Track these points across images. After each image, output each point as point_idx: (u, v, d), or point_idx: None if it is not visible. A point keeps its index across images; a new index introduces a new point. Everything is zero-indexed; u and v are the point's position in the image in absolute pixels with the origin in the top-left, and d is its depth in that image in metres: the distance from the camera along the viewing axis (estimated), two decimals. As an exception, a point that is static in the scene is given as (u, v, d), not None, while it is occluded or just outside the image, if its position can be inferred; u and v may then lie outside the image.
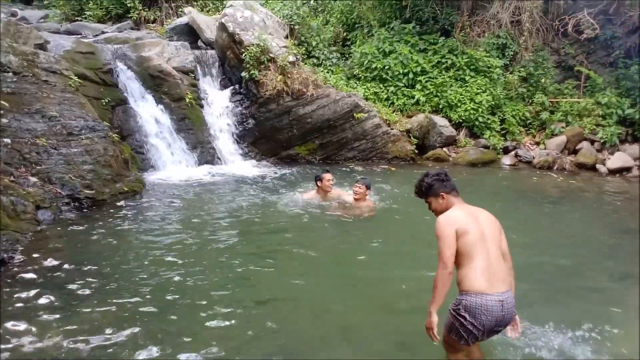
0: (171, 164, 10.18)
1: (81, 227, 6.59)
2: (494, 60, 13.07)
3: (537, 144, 12.81)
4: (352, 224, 7.21)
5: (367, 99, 12.44)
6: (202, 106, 11.32)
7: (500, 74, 13.01)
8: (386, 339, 4.25)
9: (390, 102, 12.84)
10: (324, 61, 13.38)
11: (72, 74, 8.83)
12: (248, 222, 7.21)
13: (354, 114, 11.57)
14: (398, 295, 5.06)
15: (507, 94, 13.11)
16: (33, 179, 6.94)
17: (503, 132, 12.82)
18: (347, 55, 13.97)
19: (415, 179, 3.90)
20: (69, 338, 4.05)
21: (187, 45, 12.12)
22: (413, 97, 12.75)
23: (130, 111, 9.98)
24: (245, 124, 11.73)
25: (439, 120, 12.50)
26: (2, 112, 7.28)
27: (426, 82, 12.85)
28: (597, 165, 11.83)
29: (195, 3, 15.85)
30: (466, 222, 3.42)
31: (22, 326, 4.18)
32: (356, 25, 14.56)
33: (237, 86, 12.01)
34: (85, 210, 7.21)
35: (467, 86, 12.77)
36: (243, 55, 11.34)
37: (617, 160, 11.78)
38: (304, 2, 14.80)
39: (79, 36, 12.60)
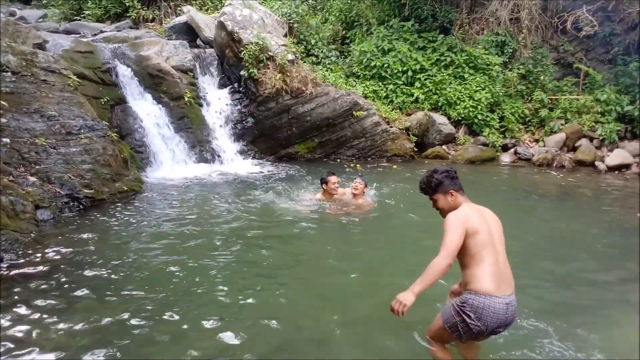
0: (170, 163, 10.18)
1: (80, 227, 6.59)
2: (493, 57, 13.07)
3: (536, 141, 12.81)
4: (352, 222, 7.22)
5: (366, 97, 12.45)
6: (201, 105, 11.32)
7: (499, 71, 13.01)
8: (387, 339, 4.26)
9: (389, 100, 12.85)
10: (323, 59, 13.38)
11: (71, 73, 8.84)
12: (247, 221, 7.20)
13: (353, 112, 11.57)
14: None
15: (506, 91, 13.11)
16: (32, 179, 6.94)
17: (502, 129, 12.82)
18: (346, 54, 13.98)
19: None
20: (68, 337, 4.06)
21: (186, 44, 12.12)
22: (412, 95, 12.76)
23: (129, 110, 9.98)
24: (244, 122, 11.73)
25: (438, 118, 12.50)
26: (1, 111, 7.28)
27: (425, 79, 12.85)
28: (596, 162, 11.84)
29: (194, 2, 15.86)
30: (477, 222, 3.40)
31: (21, 325, 4.19)
32: (355, 24, 14.56)
33: (236, 85, 12.01)
34: (84, 209, 7.21)
35: (466, 84, 12.77)
36: (242, 53, 11.34)
37: (616, 157, 11.79)
38: (303, 0, 14.79)
39: (78, 35, 12.61)
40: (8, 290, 4.77)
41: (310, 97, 11.44)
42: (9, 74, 7.82)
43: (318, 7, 15.68)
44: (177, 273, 5.36)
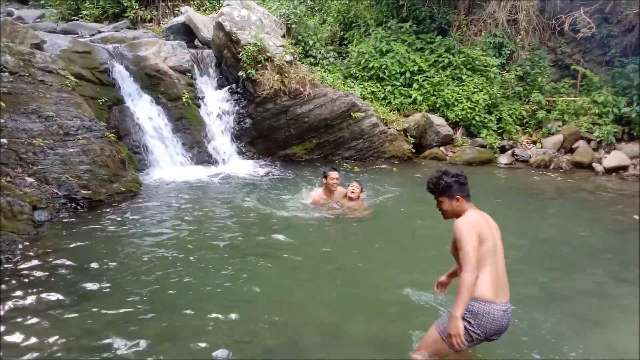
0: (168, 163, 10.16)
1: (78, 228, 6.58)
2: (491, 59, 13.09)
3: (534, 142, 12.83)
4: (349, 223, 7.23)
5: (364, 98, 12.45)
6: (199, 106, 11.30)
7: (497, 73, 13.03)
8: (385, 338, 4.26)
9: (387, 101, 12.85)
10: (321, 60, 13.38)
11: (69, 73, 8.82)
12: (245, 222, 7.21)
13: (351, 113, 11.57)
14: (395, 295, 5.06)
15: (503, 93, 13.13)
16: (30, 180, 6.93)
17: (500, 131, 12.83)
18: (344, 55, 13.98)
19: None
20: (65, 338, 4.05)
21: (184, 45, 12.11)
22: (410, 96, 12.76)
23: (127, 111, 9.96)
24: (242, 123, 11.72)
25: (436, 119, 12.52)
26: (-2, 112, 7.27)
27: (423, 81, 12.86)
28: (594, 164, 11.86)
29: (192, 2, 15.84)
30: (486, 230, 3.42)
31: (19, 327, 4.18)
32: (353, 25, 14.56)
33: (234, 85, 11.99)
34: (82, 210, 7.19)
35: (463, 85, 12.79)
36: (240, 54, 11.33)
37: (614, 159, 11.80)
38: (301, 1, 14.80)
39: (76, 36, 12.58)
40: (6, 292, 4.76)
41: (309, 98, 11.43)
42: (7, 74, 7.80)
43: (316, 8, 15.68)
44: (175, 274, 5.36)
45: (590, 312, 4.93)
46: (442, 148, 12.50)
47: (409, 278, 5.37)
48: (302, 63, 12.50)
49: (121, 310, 4.54)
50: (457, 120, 12.64)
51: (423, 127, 12.43)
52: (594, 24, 12.63)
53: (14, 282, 4.98)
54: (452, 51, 13.15)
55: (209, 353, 3.96)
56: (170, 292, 4.96)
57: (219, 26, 11.77)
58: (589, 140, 12.42)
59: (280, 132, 11.69)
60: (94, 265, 5.47)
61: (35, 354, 3.84)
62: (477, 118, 12.52)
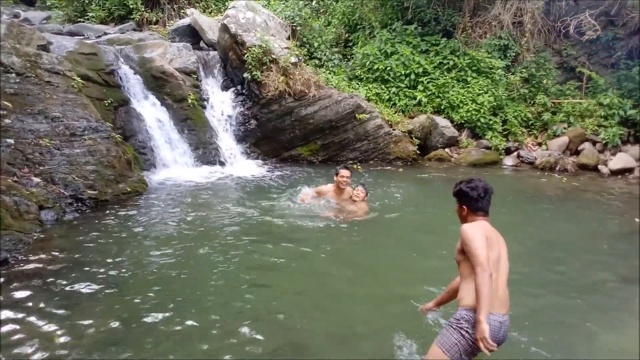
0: (173, 164, 10.20)
1: (84, 228, 6.60)
2: (496, 61, 13.08)
3: (539, 144, 12.81)
4: (353, 226, 7.22)
5: (369, 99, 12.46)
6: (204, 107, 11.34)
7: (502, 75, 13.02)
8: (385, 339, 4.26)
9: (392, 103, 12.86)
10: (325, 62, 13.40)
11: (75, 75, 8.86)
12: (249, 223, 7.22)
13: (356, 115, 11.58)
14: (398, 299, 5.06)
15: (509, 94, 13.12)
16: (36, 180, 6.96)
17: (505, 133, 12.82)
18: (349, 57, 14.00)
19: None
20: (71, 338, 4.07)
21: (189, 47, 12.15)
22: (415, 98, 12.77)
23: (133, 112, 10.00)
24: (247, 124, 11.75)
25: (441, 121, 12.51)
26: (5, 112, 7.31)
27: (428, 83, 12.86)
28: (599, 166, 11.83)
29: (197, 4, 15.88)
30: (492, 239, 3.37)
31: (24, 325, 4.20)
32: (358, 27, 14.58)
33: (239, 87, 12.03)
34: (88, 210, 7.23)
35: (468, 87, 12.78)
36: (245, 56, 11.36)
37: (619, 161, 11.77)
38: (306, 3, 14.81)
39: (82, 37, 12.63)
40: (12, 290, 4.78)
41: (313, 99, 11.45)
42: (14, 75, 7.84)
43: (321, 10, 15.71)
44: (180, 274, 5.37)
45: (596, 314, 4.91)
46: (447, 150, 12.50)
47: (410, 282, 5.37)
48: (307, 65, 12.52)
49: (126, 310, 4.55)
50: (462, 122, 12.64)
51: (428, 128, 12.43)
52: (599, 26, 12.61)
53: (20, 281, 5.00)
54: (457, 53, 13.16)
55: (213, 354, 3.96)
56: (175, 292, 4.97)
57: (225, 28, 11.80)
58: (594, 143, 12.39)
59: (285, 134, 11.71)
60: (100, 264, 5.49)
61: (40, 353, 3.85)
62: (482, 120, 12.51)
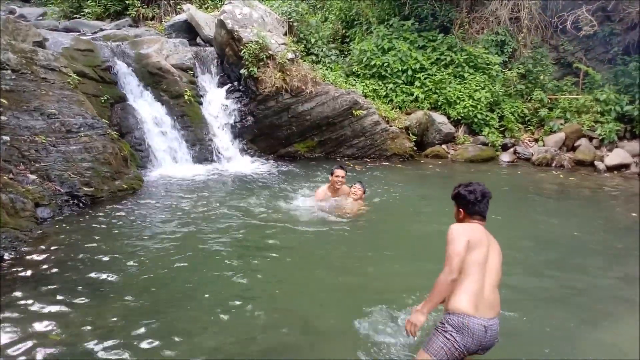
0: (170, 161, 10.18)
1: (80, 225, 6.60)
2: (493, 57, 13.07)
3: (536, 140, 12.82)
4: (350, 223, 7.23)
5: (366, 96, 12.45)
6: (201, 103, 11.32)
7: (499, 70, 13.01)
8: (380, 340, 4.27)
9: (389, 99, 12.84)
10: (322, 58, 13.37)
11: (71, 71, 8.83)
12: (245, 220, 7.21)
13: (353, 111, 11.57)
14: (393, 300, 5.07)
15: (505, 90, 13.12)
16: (32, 177, 6.95)
17: (502, 129, 12.83)
18: (346, 52, 13.97)
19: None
20: (69, 335, 4.07)
21: (186, 43, 12.11)
22: (412, 94, 12.75)
23: (129, 108, 9.98)
24: (244, 121, 11.73)
25: (438, 117, 12.51)
26: (1, 109, 7.28)
27: (425, 79, 12.85)
28: (596, 162, 11.85)
29: (193, 0, 15.84)
30: (478, 240, 3.36)
31: (19, 323, 4.20)
32: (355, 22, 14.55)
33: (236, 83, 12.00)
34: (84, 207, 7.22)
35: (465, 83, 12.77)
36: (242, 52, 11.33)
37: (616, 157, 11.80)
38: (303, -1, 14.78)
39: (78, 33, 12.58)
40: (8, 288, 4.78)
41: (310, 96, 11.44)
42: (9, 71, 7.81)
43: (318, 6, 15.66)
44: (177, 271, 5.37)
45: (593, 311, 4.93)
46: (444, 146, 12.50)
47: (405, 281, 5.37)
48: (304, 61, 12.50)
49: (122, 308, 4.55)
50: (459, 118, 12.64)
51: (425, 125, 12.42)
52: (596, 22, 12.60)
53: (16, 278, 5.00)
54: (454, 49, 13.14)
55: (208, 352, 3.97)
56: (171, 290, 4.98)
57: (221, 24, 11.77)
58: (591, 139, 12.40)
59: (282, 130, 11.70)
60: (96, 261, 5.49)
61: (36, 351, 3.86)
62: (479, 116, 12.51)
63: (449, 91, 12.64)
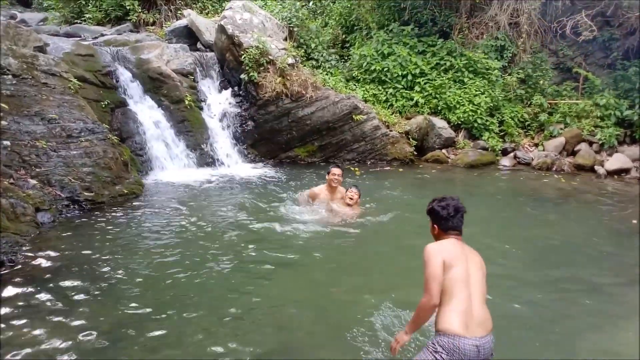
0: (171, 166, 10.19)
1: (80, 230, 6.60)
2: (493, 62, 13.10)
3: (536, 145, 12.83)
4: (345, 229, 7.22)
5: (366, 100, 12.47)
6: (201, 108, 11.33)
7: (499, 75, 13.04)
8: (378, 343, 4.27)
9: (389, 103, 12.87)
10: (323, 63, 13.41)
11: (72, 76, 8.85)
12: (246, 225, 7.21)
13: (353, 116, 11.59)
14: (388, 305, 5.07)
15: (505, 95, 13.14)
16: (32, 181, 6.95)
17: (502, 133, 12.84)
18: (346, 57, 14.01)
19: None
20: (67, 339, 4.06)
21: (187, 48, 12.14)
22: (412, 99, 12.78)
23: (130, 113, 9.99)
24: (244, 125, 11.75)
25: (438, 122, 12.53)
26: (1, 114, 7.29)
27: (425, 83, 12.88)
28: (596, 167, 11.85)
29: (194, 5, 15.88)
30: (455, 256, 3.27)
31: (21, 327, 4.19)
32: (355, 28, 14.59)
33: (236, 88, 12.03)
34: (84, 212, 7.22)
35: (465, 88, 12.80)
36: (242, 57, 11.36)
37: (616, 161, 11.80)
38: (303, 4, 14.82)
39: (79, 39, 12.61)
40: (8, 293, 4.78)
41: (310, 100, 11.46)
42: (10, 76, 7.83)
43: (318, 11, 15.71)
44: (175, 276, 5.37)
45: (594, 316, 4.92)
46: (444, 151, 12.51)
47: (404, 287, 5.35)
48: (304, 66, 12.53)
49: (123, 312, 4.55)
50: (459, 122, 12.66)
51: (425, 129, 12.44)
52: (595, 27, 12.65)
53: (16, 283, 4.99)
54: (453, 54, 13.18)
55: (209, 354, 3.97)
56: (172, 294, 4.98)
57: (222, 29, 11.81)
58: (591, 143, 12.42)
59: (282, 135, 11.72)
60: (96, 266, 5.49)
61: (37, 355, 3.85)
62: (479, 121, 12.53)
63: (449, 96, 12.66)
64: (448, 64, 13.06)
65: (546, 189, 10.33)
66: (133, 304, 4.70)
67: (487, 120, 12.63)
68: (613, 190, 10.34)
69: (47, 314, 4.44)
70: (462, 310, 3.16)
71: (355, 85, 13.02)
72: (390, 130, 12.06)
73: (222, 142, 11.35)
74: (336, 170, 7.70)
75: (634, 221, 8.16)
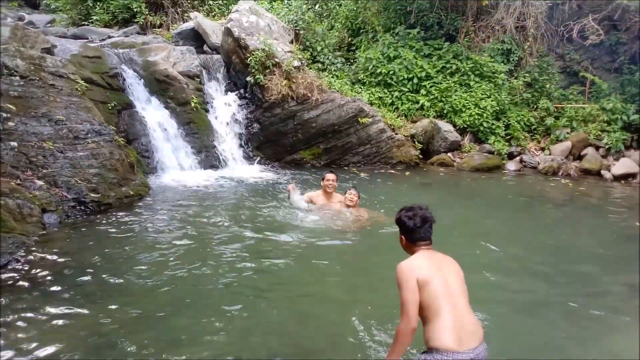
0: (176, 168, 10.22)
1: (86, 231, 6.62)
2: (499, 65, 13.08)
3: (542, 149, 12.80)
4: (354, 234, 7.21)
5: (371, 103, 12.47)
6: (207, 110, 11.37)
7: (505, 79, 13.02)
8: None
9: (394, 107, 12.86)
10: (328, 66, 13.42)
11: (79, 78, 8.88)
12: (251, 227, 7.20)
13: (359, 119, 11.59)
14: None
15: (511, 99, 13.11)
16: (39, 182, 6.98)
17: (508, 137, 12.81)
18: (352, 60, 14.02)
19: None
20: (72, 339, 4.07)
21: (193, 50, 12.18)
22: (417, 102, 12.77)
23: (136, 115, 10.03)
24: (250, 128, 11.77)
25: (444, 125, 12.51)
26: (9, 115, 7.33)
27: (431, 87, 12.87)
28: (602, 171, 11.81)
29: (201, 8, 15.94)
30: (428, 271, 3.12)
31: (25, 327, 4.21)
32: (361, 31, 14.60)
33: (242, 91, 12.06)
34: (90, 213, 7.24)
35: (471, 91, 12.78)
36: (248, 60, 11.39)
37: (622, 166, 11.75)
38: (309, 7, 14.85)
39: (86, 40, 12.67)
40: (14, 293, 4.80)
41: (316, 103, 11.47)
42: (18, 78, 7.87)
43: (324, 14, 15.73)
44: (181, 277, 5.38)
45: (598, 319, 4.90)
46: (449, 154, 12.49)
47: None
48: (310, 69, 12.54)
49: (127, 313, 4.55)
50: (465, 126, 12.63)
51: (430, 133, 12.43)
52: (602, 30, 12.59)
53: (22, 283, 5.01)
54: (459, 57, 13.16)
55: (211, 356, 3.97)
56: (175, 295, 4.98)
57: (228, 32, 11.84)
58: (597, 148, 12.37)
59: (288, 137, 11.73)
60: (101, 268, 5.50)
61: (41, 355, 3.86)
62: (485, 124, 12.50)
63: (455, 99, 12.64)
64: (454, 67, 13.05)
65: (552, 193, 10.30)
66: (136, 305, 4.70)
67: (493, 124, 12.61)
68: (619, 195, 10.29)
69: (50, 314, 4.45)
70: (451, 323, 3.01)
71: (361, 88, 13.02)
72: (396, 134, 12.05)
73: (228, 144, 11.38)
74: (330, 176, 7.74)
75: (637, 223, 8.12)
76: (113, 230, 6.73)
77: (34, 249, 5.81)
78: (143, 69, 10.74)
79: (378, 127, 11.81)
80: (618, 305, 5.25)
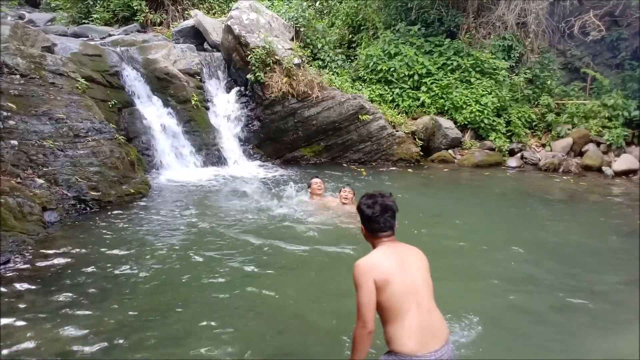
0: (177, 165, 10.23)
1: (87, 229, 6.63)
2: (500, 62, 13.05)
3: (543, 145, 12.77)
4: (353, 230, 7.20)
5: (372, 101, 12.45)
6: (207, 108, 11.37)
7: (506, 75, 12.98)
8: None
9: (395, 104, 12.84)
10: (329, 63, 13.40)
11: (79, 76, 8.90)
12: (252, 225, 7.21)
13: (359, 116, 11.58)
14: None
15: (512, 95, 13.07)
16: (40, 181, 7.00)
17: (509, 134, 12.78)
18: (353, 58, 14.00)
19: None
20: (71, 338, 4.08)
21: (193, 48, 12.18)
22: (418, 99, 12.75)
23: (137, 113, 10.04)
24: (250, 125, 11.78)
25: (444, 122, 12.49)
26: (9, 114, 7.34)
27: (431, 84, 12.84)
28: (603, 168, 11.78)
29: (201, 6, 15.92)
30: (388, 270, 2.92)
31: (25, 326, 4.22)
32: (362, 28, 14.58)
33: (242, 88, 12.05)
34: (91, 212, 7.26)
35: (472, 88, 12.75)
36: (249, 57, 11.38)
37: (623, 162, 11.73)
38: (310, 4, 14.83)
39: (86, 39, 12.68)
40: (14, 291, 4.81)
41: (317, 100, 11.46)
42: (18, 76, 7.88)
43: (325, 11, 15.71)
44: (181, 276, 5.38)
45: (598, 317, 4.89)
46: (450, 151, 12.47)
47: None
48: (311, 66, 12.53)
49: (128, 312, 4.56)
50: (466, 123, 12.61)
51: (431, 129, 12.41)
52: (603, 26, 12.57)
53: (22, 282, 5.02)
54: (460, 54, 13.13)
55: (212, 356, 3.97)
56: (176, 294, 4.98)
57: (228, 29, 11.83)
58: (598, 144, 12.34)
59: (288, 135, 11.73)
60: (102, 266, 5.51)
61: (42, 353, 3.87)
62: (486, 121, 12.48)
63: (456, 96, 12.62)
64: (455, 64, 13.01)
65: (553, 190, 10.28)
66: (137, 304, 4.71)
67: (494, 121, 12.58)
68: (621, 191, 10.27)
69: (51, 312, 4.46)
70: (413, 325, 2.86)
71: (361, 85, 13.00)
72: (397, 131, 12.03)
73: (228, 141, 11.39)
74: (316, 180, 7.93)
75: (638, 220, 8.12)
76: (113, 228, 6.74)
77: (34, 247, 5.83)
78: (143, 67, 10.75)
79: (379, 124, 11.79)
80: (618, 302, 5.25)
